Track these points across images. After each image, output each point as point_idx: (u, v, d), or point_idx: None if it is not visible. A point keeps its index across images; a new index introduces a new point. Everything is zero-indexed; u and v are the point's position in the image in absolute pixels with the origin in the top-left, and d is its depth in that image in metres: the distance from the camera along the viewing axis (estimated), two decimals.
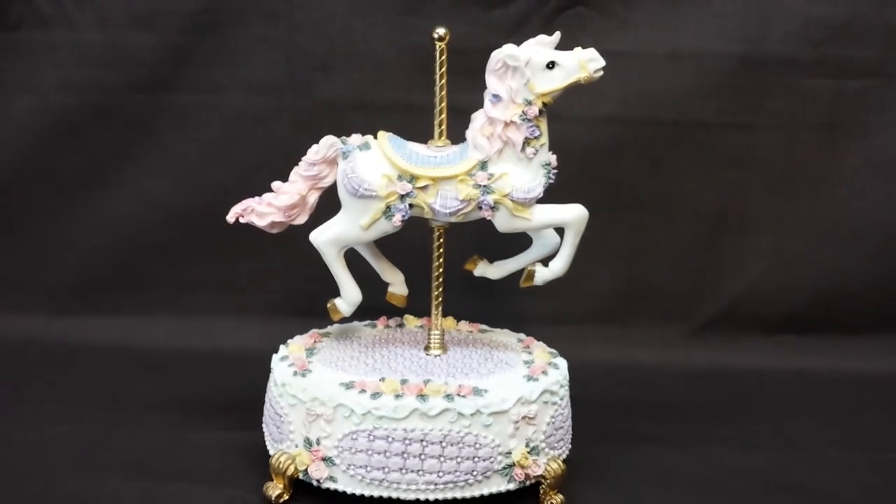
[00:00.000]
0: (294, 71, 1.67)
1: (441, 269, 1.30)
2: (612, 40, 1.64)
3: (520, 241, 1.29)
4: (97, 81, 1.67)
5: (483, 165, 1.21)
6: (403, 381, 1.20)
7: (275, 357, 1.29)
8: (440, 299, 1.31)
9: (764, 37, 1.64)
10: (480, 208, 1.22)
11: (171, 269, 1.76)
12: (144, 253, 1.75)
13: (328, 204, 1.27)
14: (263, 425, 1.30)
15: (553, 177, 1.23)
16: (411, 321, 1.41)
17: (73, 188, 1.72)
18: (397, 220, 1.22)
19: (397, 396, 1.17)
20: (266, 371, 1.29)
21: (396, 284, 1.35)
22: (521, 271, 1.29)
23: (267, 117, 1.69)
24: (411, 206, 1.22)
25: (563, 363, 1.29)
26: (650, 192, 1.72)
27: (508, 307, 1.61)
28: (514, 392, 1.19)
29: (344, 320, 1.32)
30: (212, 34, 1.66)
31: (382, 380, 1.20)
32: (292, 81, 1.67)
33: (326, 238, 1.25)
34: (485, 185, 1.21)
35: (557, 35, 1.20)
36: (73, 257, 1.76)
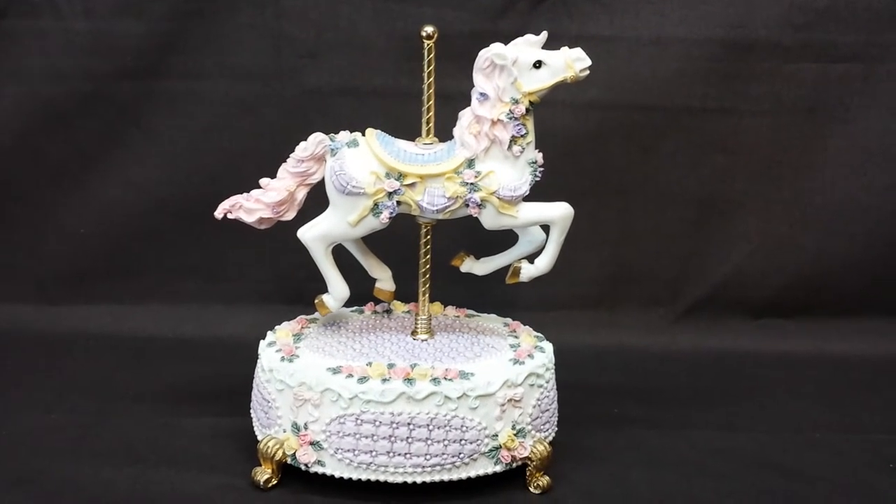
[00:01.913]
0: (281, 57, 1.67)
1: (428, 260, 1.31)
2: (597, 25, 1.65)
3: (507, 237, 1.31)
4: (84, 69, 1.67)
5: (470, 163, 1.22)
6: (390, 366, 1.21)
7: (262, 343, 1.30)
8: (427, 285, 1.32)
9: (748, 22, 1.65)
10: (467, 206, 1.23)
11: (160, 256, 1.76)
12: (133, 241, 1.75)
13: (316, 200, 1.28)
14: (251, 411, 1.31)
15: (539, 175, 1.24)
16: (398, 307, 1.42)
17: (61, 176, 1.72)
18: (385, 217, 1.23)
19: (384, 380, 1.18)
20: (254, 357, 1.30)
21: (384, 280, 1.36)
22: (507, 267, 1.30)
23: (254, 104, 1.69)
24: (399, 203, 1.23)
25: (548, 346, 1.30)
26: (636, 178, 1.73)
27: (495, 293, 1.62)
28: (500, 375, 1.20)
29: None
30: (199, 21, 1.66)
31: (369, 364, 1.21)
32: (280, 68, 1.67)
33: (314, 235, 1.26)
34: (472, 183, 1.22)
35: (544, 34, 1.21)
36: (62, 246, 1.76)
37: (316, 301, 1.31)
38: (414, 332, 1.32)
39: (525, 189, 1.23)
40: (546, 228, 1.26)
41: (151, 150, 1.72)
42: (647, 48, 1.66)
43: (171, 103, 1.70)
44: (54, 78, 1.68)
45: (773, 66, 1.67)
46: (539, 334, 1.35)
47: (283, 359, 1.24)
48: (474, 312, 1.42)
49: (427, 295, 1.32)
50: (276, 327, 1.34)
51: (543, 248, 1.27)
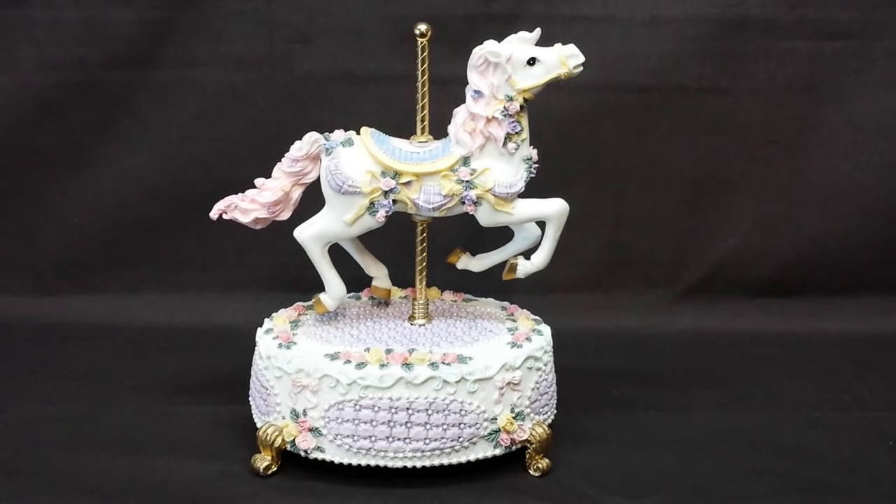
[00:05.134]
0: (273, 44, 1.66)
1: (424, 257, 1.31)
2: (590, 6, 1.64)
3: (504, 233, 1.31)
4: (75, 58, 1.66)
5: (465, 161, 1.22)
6: (388, 351, 1.21)
7: (259, 330, 1.30)
8: (424, 272, 1.32)
9: (742, 0, 1.64)
10: (463, 203, 1.23)
11: (156, 246, 1.76)
12: (128, 230, 1.75)
13: (312, 199, 1.27)
14: (250, 398, 1.31)
15: (534, 171, 1.24)
16: (395, 292, 1.41)
17: (55, 167, 1.72)
18: (381, 215, 1.23)
19: (382, 366, 1.17)
20: (252, 345, 1.30)
21: (380, 278, 1.36)
22: (503, 263, 1.30)
23: (247, 91, 1.68)
24: (395, 201, 1.23)
25: (546, 329, 1.30)
26: (632, 159, 1.73)
27: (493, 277, 1.62)
28: (498, 359, 1.20)
29: None
30: (190, 8, 1.65)
31: (367, 350, 1.21)
32: (272, 54, 1.66)
33: (310, 234, 1.25)
34: (467, 181, 1.22)
35: (538, 32, 1.21)
36: (57, 237, 1.75)
37: (313, 300, 1.31)
38: (411, 318, 1.32)
39: (520, 186, 1.23)
40: (542, 224, 1.26)
41: (144, 139, 1.71)
42: (641, 28, 1.65)
43: (164, 92, 1.69)
44: (45, 68, 1.67)
45: (768, 45, 1.67)
46: (537, 317, 1.35)
47: (280, 346, 1.23)
48: (472, 297, 1.42)
49: (424, 280, 1.32)
50: (273, 314, 1.34)
51: (539, 243, 1.27)
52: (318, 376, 1.18)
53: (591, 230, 1.75)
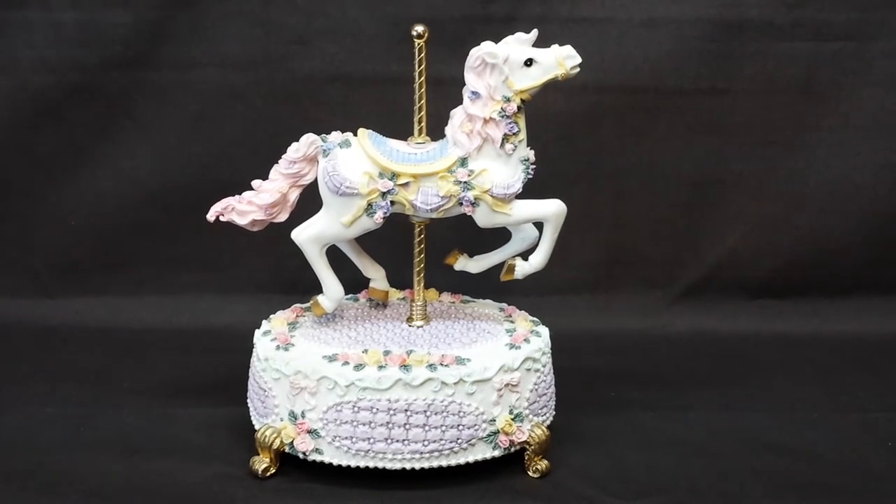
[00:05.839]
0: (271, 45, 1.66)
1: (422, 259, 1.31)
2: (589, 7, 1.64)
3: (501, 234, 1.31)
4: (73, 60, 1.66)
5: (463, 162, 1.22)
6: (386, 353, 1.21)
7: (257, 332, 1.29)
8: (422, 273, 1.32)
9: (740, 1, 1.64)
10: (461, 204, 1.23)
11: (154, 247, 1.76)
12: (126, 232, 1.75)
13: (310, 201, 1.27)
14: (248, 400, 1.31)
15: (532, 172, 1.24)
16: (393, 293, 1.41)
17: (52, 169, 1.72)
18: (379, 217, 1.23)
19: (380, 367, 1.17)
20: (250, 347, 1.29)
21: (378, 280, 1.36)
22: (501, 265, 1.30)
23: (245, 92, 1.68)
24: (393, 202, 1.23)
25: (544, 331, 1.30)
26: (630, 160, 1.73)
27: (491, 278, 1.62)
28: (497, 360, 1.20)
29: None
30: (187, 10, 1.65)
31: (365, 351, 1.21)
32: (269, 56, 1.66)
33: (308, 236, 1.25)
34: (465, 182, 1.22)
35: (535, 33, 1.21)
36: (55, 238, 1.75)
37: (311, 302, 1.30)
38: (409, 319, 1.32)
39: (518, 187, 1.23)
40: (539, 225, 1.26)
41: (142, 140, 1.71)
42: (639, 29, 1.65)
43: (161, 93, 1.69)
44: (43, 70, 1.66)
45: (765, 46, 1.67)
46: (535, 319, 1.35)
47: (278, 347, 1.23)
48: (470, 298, 1.42)
49: (422, 282, 1.32)
50: (271, 316, 1.34)
51: (537, 244, 1.27)
52: (316, 378, 1.18)
53: (589, 231, 1.75)
